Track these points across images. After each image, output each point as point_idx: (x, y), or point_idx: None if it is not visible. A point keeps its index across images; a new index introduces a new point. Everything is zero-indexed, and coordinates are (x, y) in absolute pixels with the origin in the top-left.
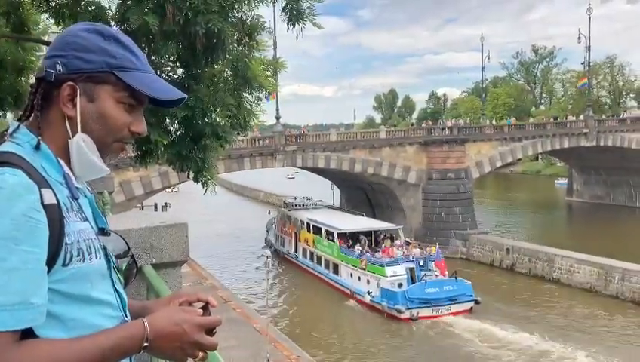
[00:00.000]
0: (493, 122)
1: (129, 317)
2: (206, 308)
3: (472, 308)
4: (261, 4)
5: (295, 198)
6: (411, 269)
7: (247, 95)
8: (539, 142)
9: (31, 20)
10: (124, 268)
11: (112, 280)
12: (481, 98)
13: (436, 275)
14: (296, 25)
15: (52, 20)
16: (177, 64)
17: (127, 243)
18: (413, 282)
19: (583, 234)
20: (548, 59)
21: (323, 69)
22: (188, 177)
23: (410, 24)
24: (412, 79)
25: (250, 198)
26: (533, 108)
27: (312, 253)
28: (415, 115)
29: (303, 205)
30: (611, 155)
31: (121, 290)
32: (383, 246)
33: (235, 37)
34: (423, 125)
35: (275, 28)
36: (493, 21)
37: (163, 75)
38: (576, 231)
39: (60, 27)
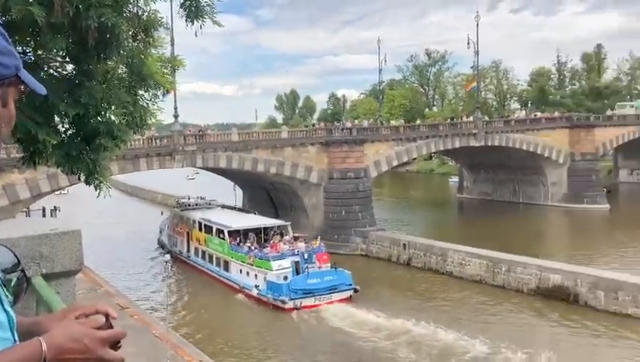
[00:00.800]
0: (392, 123)
1: (17, 338)
2: (106, 319)
3: (351, 296)
4: None
5: (188, 198)
6: (296, 262)
7: (143, 92)
8: (432, 142)
9: None
10: (13, 283)
11: None
12: (379, 100)
13: (319, 267)
14: (195, 22)
15: None
16: (67, 59)
17: (15, 256)
18: (298, 274)
19: (473, 229)
20: (440, 63)
21: (223, 68)
22: (79, 179)
23: (310, 25)
24: (312, 80)
25: (147, 200)
26: (427, 110)
27: (203, 252)
28: (316, 116)
29: (196, 205)
30: (498, 154)
31: (9, 309)
32: (272, 242)
33: (130, 32)
34: (315, 126)
35: (173, 24)
36: (390, 25)
37: (51, 70)
38: (466, 226)
39: None
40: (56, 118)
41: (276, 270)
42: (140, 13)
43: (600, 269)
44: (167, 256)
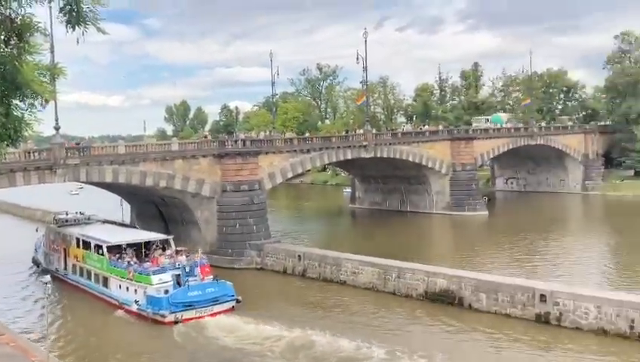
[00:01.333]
0: (288, 135)
1: None
2: None
3: (233, 307)
4: (34, 2)
5: (66, 214)
6: (177, 276)
7: (18, 102)
8: (325, 153)
9: None
10: None
11: None
12: (272, 112)
13: (201, 279)
14: (77, 28)
15: None
16: None
17: None
18: (179, 288)
19: (365, 237)
20: (331, 78)
21: (109, 78)
22: None
23: (200, 37)
24: (204, 91)
25: (24, 218)
26: (320, 123)
27: (81, 269)
28: (208, 127)
29: (75, 221)
30: (387, 166)
31: None
32: (152, 256)
33: (2, 36)
34: (207, 137)
35: (52, 30)
36: (281, 39)
37: None
38: (359, 236)
39: None
40: None
41: (156, 284)
42: (12, 16)
43: (481, 272)
44: (47, 277)
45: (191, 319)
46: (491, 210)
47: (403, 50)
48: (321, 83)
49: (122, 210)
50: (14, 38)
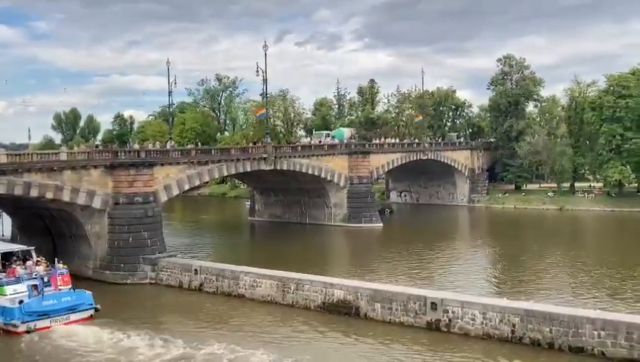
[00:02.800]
0: (188, 146)
1: None
2: None
3: (92, 315)
4: None
5: None
6: (34, 286)
7: None
8: (224, 165)
9: None
10: None
11: None
12: (169, 122)
13: (60, 289)
14: None
15: None
16: None
17: None
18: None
19: (264, 250)
20: (231, 89)
21: None
22: None
23: (94, 43)
24: (96, 99)
25: None
26: (219, 134)
27: None
28: (100, 137)
29: None
30: (286, 178)
31: None
32: (10, 267)
33: None
34: (97, 147)
35: None
36: (179, 48)
37: None
38: (258, 248)
39: None
40: None
41: (10, 294)
42: None
43: (377, 282)
44: None
45: (45, 328)
46: (386, 222)
47: (303, 65)
48: (221, 94)
49: (1, 223)
50: None
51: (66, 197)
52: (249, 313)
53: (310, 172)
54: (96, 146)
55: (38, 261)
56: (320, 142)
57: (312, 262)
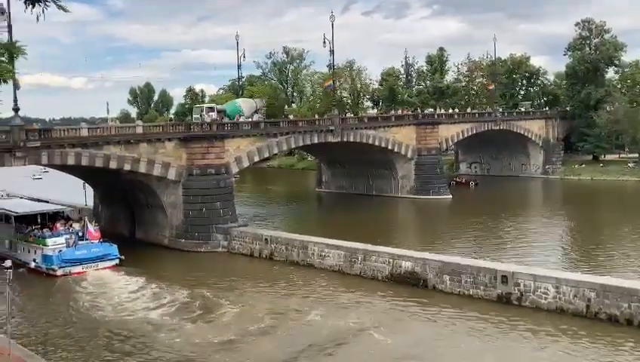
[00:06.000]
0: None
1: None
2: None
3: (117, 264)
4: None
5: None
6: (70, 239)
7: None
8: (292, 138)
9: None
10: None
11: None
12: (238, 95)
13: (91, 242)
14: (37, 5)
15: None
16: None
17: None
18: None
19: (331, 221)
20: (298, 61)
21: (71, 59)
22: None
23: (166, 18)
24: (169, 74)
25: None
26: (287, 107)
27: None
28: (173, 110)
29: None
30: (353, 150)
31: None
32: (54, 224)
33: None
34: (170, 120)
35: (9, 7)
36: (246, 22)
37: None
38: (325, 219)
39: None
40: None
41: (51, 245)
42: None
43: (445, 255)
44: (8, 262)
45: (78, 273)
46: (455, 194)
47: (370, 35)
48: (288, 66)
49: (85, 193)
50: None
51: (142, 168)
52: (315, 280)
53: (377, 143)
54: (170, 119)
55: (77, 219)
56: (201, 117)
57: (378, 233)
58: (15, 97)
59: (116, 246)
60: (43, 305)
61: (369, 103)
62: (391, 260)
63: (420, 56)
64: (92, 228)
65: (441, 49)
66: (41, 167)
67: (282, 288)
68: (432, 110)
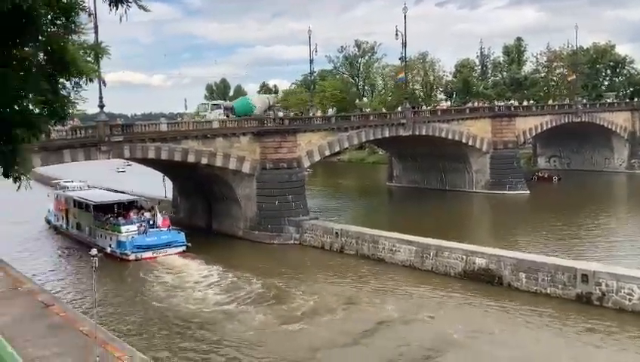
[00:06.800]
0: (321, 112)
1: None
2: None
3: (184, 250)
4: None
5: (72, 182)
6: (141, 226)
7: (64, 81)
8: (363, 131)
9: None
10: None
11: None
12: (310, 90)
13: (161, 229)
14: (120, 6)
15: None
16: None
17: None
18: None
19: (402, 215)
20: (369, 54)
21: (151, 57)
22: None
23: (241, 15)
24: (243, 70)
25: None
26: (358, 100)
27: (77, 223)
28: None
29: (75, 187)
30: (425, 143)
31: None
32: (128, 212)
33: (49, 16)
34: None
35: (96, 9)
36: (318, 17)
37: None
38: (396, 214)
39: None
40: None
41: (124, 232)
42: None
43: (521, 252)
44: (94, 251)
45: (149, 258)
46: (534, 189)
47: (443, 26)
48: (359, 60)
49: (164, 186)
50: (61, 17)
51: (218, 162)
52: (386, 274)
53: (450, 137)
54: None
55: (149, 209)
56: (204, 116)
57: (451, 228)
58: (100, 94)
59: (184, 233)
60: (119, 288)
61: (442, 96)
62: (464, 256)
63: (496, 46)
64: (161, 217)
65: (519, 39)
66: (124, 161)
67: (353, 281)
68: (509, 102)
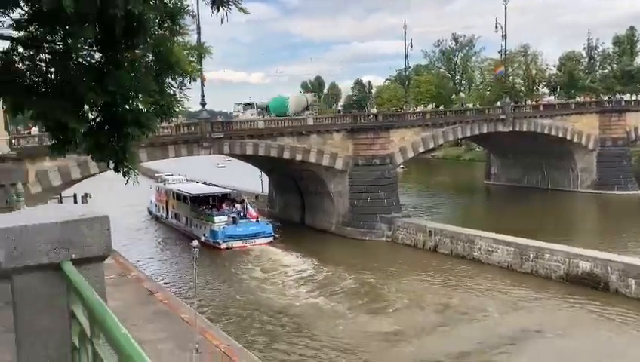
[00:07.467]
0: (417, 108)
1: None
2: None
3: (271, 241)
4: None
5: (172, 175)
6: (233, 217)
7: (170, 80)
8: (459, 127)
9: None
10: None
11: None
12: (404, 86)
13: (250, 220)
14: (221, 9)
15: None
16: (94, 48)
17: None
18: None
19: (500, 215)
20: (467, 48)
21: (249, 56)
22: (108, 167)
23: (337, 13)
24: (339, 66)
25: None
26: (454, 96)
27: (176, 214)
28: (341, 102)
29: (174, 181)
30: (526, 140)
31: None
32: (221, 204)
33: (157, 20)
34: (338, 112)
35: (199, 12)
36: (415, 10)
37: (80, 59)
38: (494, 213)
39: None
40: (85, 107)
41: (217, 223)
42: (165, 0)
43: (631, 257)
44: (195, 242)
45: (239, 247)
46: None
47: (546, 17)
48: (456, 54)
49: (261, 182)
50: (167, 21)
51: (312, 158)
52: (482, 275)
53: (553, 133)
54: (338, 112)
55: (240, 201)
56: (235, 115)
57: (553, 230)
58: (202, 93)
59: (271, 225)
60: (214, 277)
61: (545, 90)
62: (567, 259)
63: (605, 37)
64: (251, 209)
65: (632, 28)
66: (224, 157)
67: (447, 281)
68: (620, 96)
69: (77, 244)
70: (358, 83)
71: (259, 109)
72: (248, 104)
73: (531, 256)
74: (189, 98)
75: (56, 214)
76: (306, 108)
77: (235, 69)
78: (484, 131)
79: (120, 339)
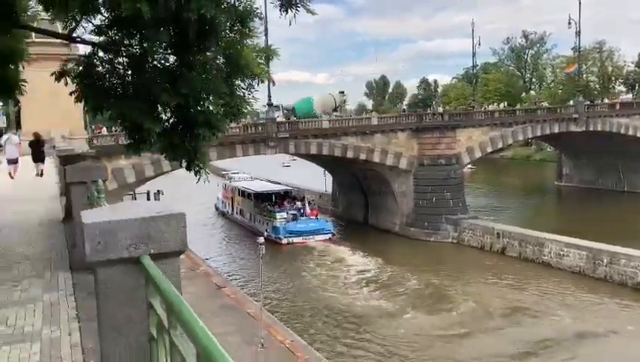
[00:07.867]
0: (485, 108)
1: None
2: None
3: (330, 238)
4: None
5: (238, 173)
6: (294, 214)
7: (239, 82)
8: (529, 127)
9: (20, 6)
10: None
11: None
12: (472, 84)
13: (309, 217)
14: (289, 11)
15: (41, 7)
16: (169, 51)
17: None
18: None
19: (572, 218)
20: (538, 45)
21: (315, 56)
22: (180, 166)
23: (403, 12)
24: (404, 65)
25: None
26: (524, 94)
27: (241, 210)
28: (406, 101)
29: (240, 178)
30: (600, 140)
31: None
32: (282, 201)
33: (228, 23)
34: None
35: (266, 14)
36: (482, 8)
37: (155, 62)
38: (565, 216)
39: (49, 13)
40: (159, 108)
41: (279, 219)
42: (236, 4)
43: None
44: (261, 239)
45: (299, 242)
46: None
47: (624, 10)
48: (527, 51)
49: (325, 181)
50: (237, 24)
51: (376, 158)
52: (552, 279)
53: (631, 133)
54: (403, 111)
55: (300, 198)
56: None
57: (628, 234)
58: (269, 93)
59: (330, 222)
60: (277, 272)
61: (622, 88)
62: None
63: None
64: (310, 207)
65: None
66: (290, 156)
67: (516, 285)
68: None
69: (155, 240)
70: (424, 82)
71: (285, 111)
72: (275, 106)
73: (605, 261)
74: (258, 99)
75: (136, 211)
76: (335, 110)
77: (300, 69)
78: (556, 131)
79: (198, 332)
